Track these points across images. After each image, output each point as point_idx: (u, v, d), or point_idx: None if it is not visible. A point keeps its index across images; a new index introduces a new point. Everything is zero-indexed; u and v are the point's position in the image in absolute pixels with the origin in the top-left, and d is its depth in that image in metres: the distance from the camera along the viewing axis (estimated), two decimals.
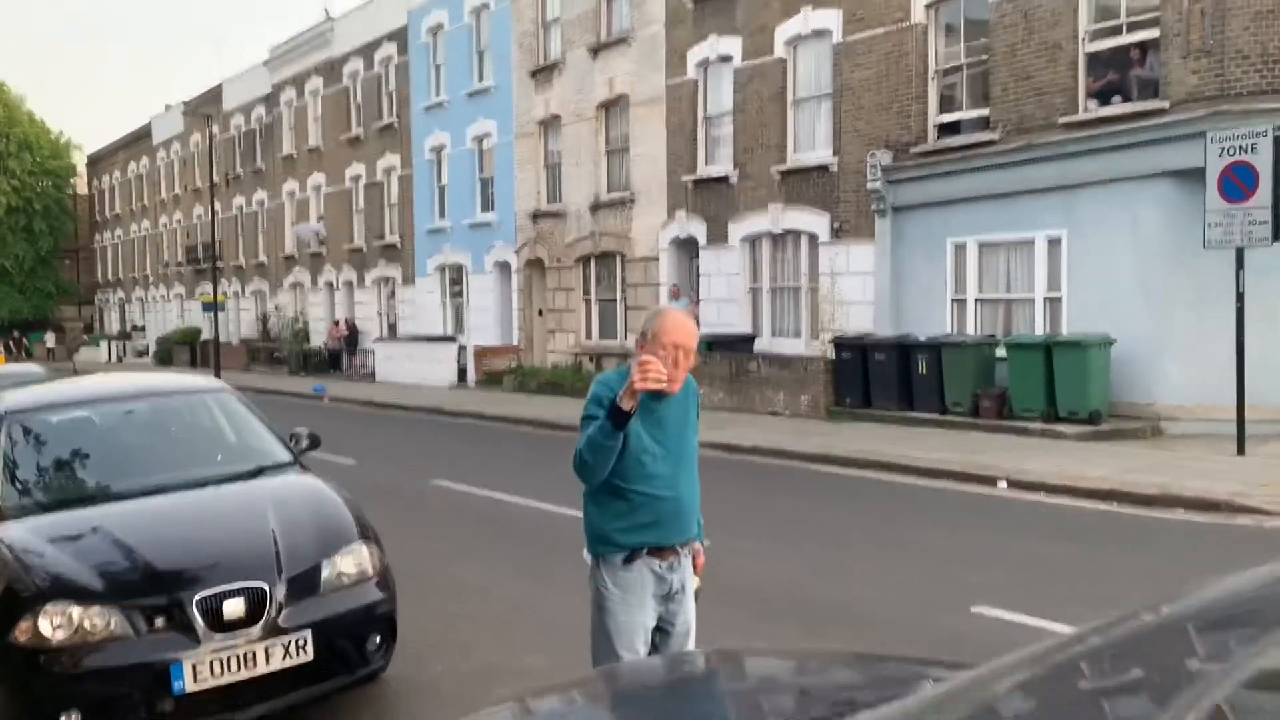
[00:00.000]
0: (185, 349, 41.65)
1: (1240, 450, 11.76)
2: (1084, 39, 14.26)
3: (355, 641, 4.82)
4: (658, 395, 3.54)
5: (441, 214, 28.41)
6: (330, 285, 34.41)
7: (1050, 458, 11.96)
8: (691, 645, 3.79)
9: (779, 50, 18.35)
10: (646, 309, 21.47)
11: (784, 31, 18.22)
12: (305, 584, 4.72)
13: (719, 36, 19.43)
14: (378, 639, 4.91)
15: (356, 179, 32.34)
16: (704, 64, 19.96)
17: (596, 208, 22.74)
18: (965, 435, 13.76)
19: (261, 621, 4.51)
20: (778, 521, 9.47)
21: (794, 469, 12.59)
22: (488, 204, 26.61)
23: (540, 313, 25.32)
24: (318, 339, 34.37)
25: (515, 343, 25.73)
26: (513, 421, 18.25)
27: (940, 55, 16.20)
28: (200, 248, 42.38)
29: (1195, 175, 12.65)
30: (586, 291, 23.67)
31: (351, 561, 4.95)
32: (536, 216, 24.64)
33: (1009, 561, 7.55)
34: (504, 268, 26.15)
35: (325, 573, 4.82)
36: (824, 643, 5.71)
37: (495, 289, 26.49)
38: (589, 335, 23.68)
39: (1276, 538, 8.36)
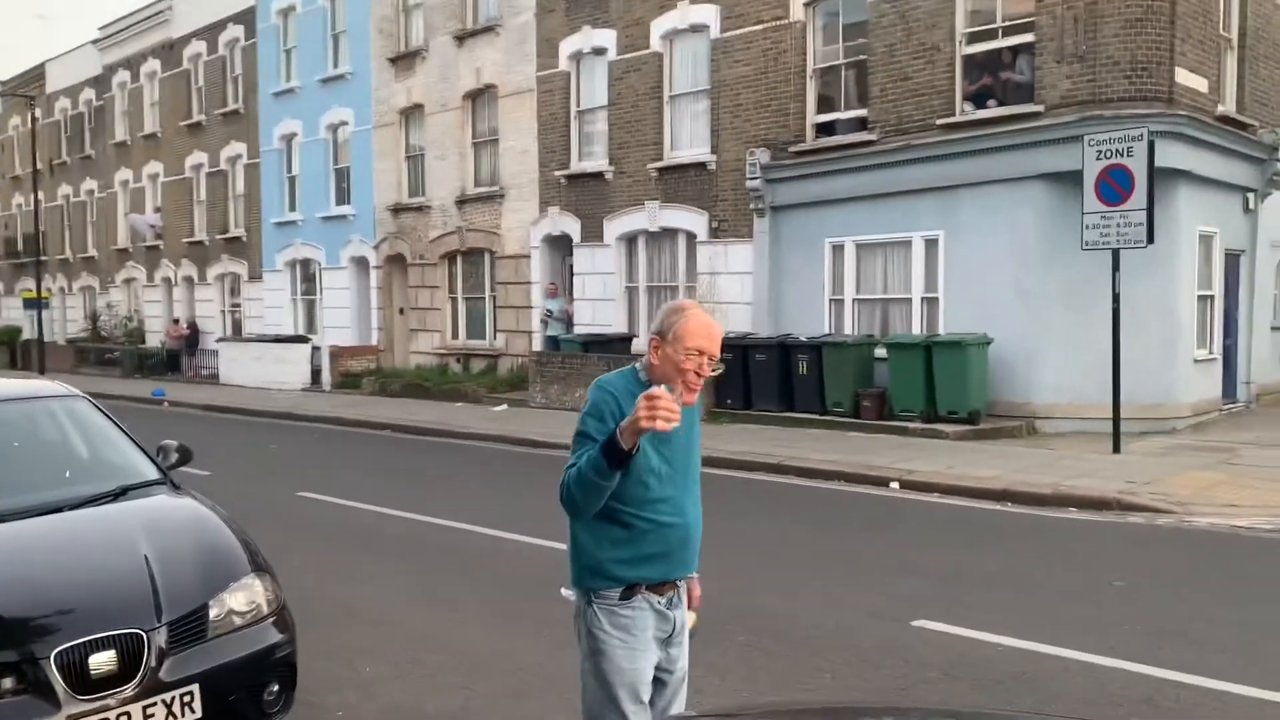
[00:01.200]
0: (4, 350, 38.34)
1: (1116, 448, 12.01)
2: (961, 41, 14.40)
3: (251, 693, 4.08)
4: None
5: (292, 206, 26.90)
6: (168, 281, 32.23)
7: (937, 457, 11.95)
8: (684, 696, 3.25)
9: (655, 44, 17.97)
10: (517, 309, 20.81)
11: (660, 25, 17.85)
12: (190, 628, 3.97)
13: (593, 28, 18.92)
14: (276, 688, 4.19)
15: (198, 168, 30.35)
16: (577, 56, 19.41)
17: (463, 202, 21.88)
18: (848, 435, 13.69)
19: (137, 677, 3.74)
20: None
21: None
22: (343, 196, 25.32)
23: (401, 311, 24.25)
24: (154, 339, 32.14)
25: (375, 343, 24.56)
26: (376, 426, 17.28)
27: (819, 54, 16.14)
28: (21, 240, 39.08)
29: (1069, 178, 12.91)
30: (452, 290, 22.76)
31: (244, 598, 4.21)
32: (398, 210, 23.57)
33: (937, 570, 7.29)
34: (361, 264, 24.93)
35: (213, 613, 4.07)
36: (782, 664, 5.26)
37: (352, 286, 25.23)
38: (455, 335, 22.78)
39: (1176, 536, 8.41)
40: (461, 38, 21.58)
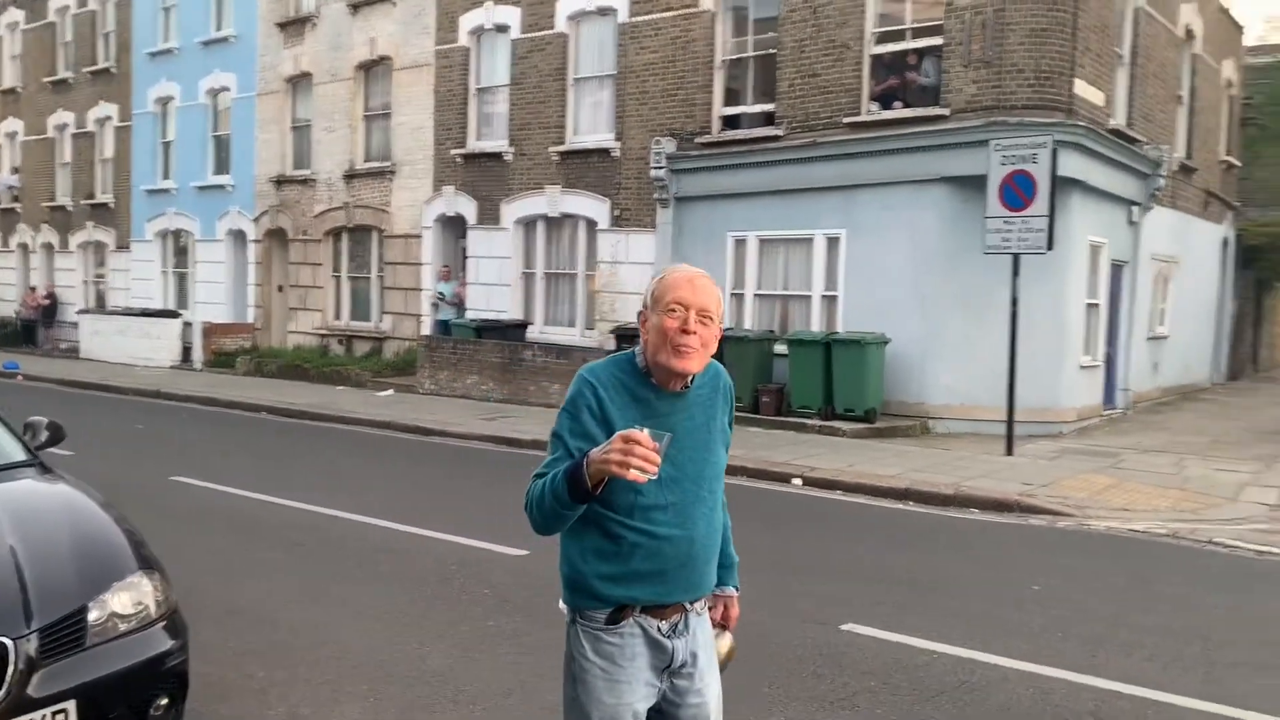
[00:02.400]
0: None
1: (1009, 450, 12.18)
2: (870, 41, 14.42)
3: (136, 709, 3.57)
4: (664, 393, 2.58)
5: (166, 174, 25.42)
6: (25, 247, 30.16)
7: (837, 455, 11.91)
8: None
9: (561, 25, 17.52)
10: (406, 290, 20.10)
11: (567, 6, 17.41)
12: (65, 635, 3.44)
13: (496, 4, 18.33)
14: (165, 702, 3.68)
15: (62, 128, 28.45)
16: (478, 32, 18.79)
17: (352, 177, 21.00)
18: (747, 431, 13.55)
19: (2, 692, 3.21)
20: None
21: None
22: (222, 165, 24.03)
23: (281, 289, 23.17)
24: (8, 308, 30.02)
25: (251, 321, 23.40)
26: (252, 408, 16.39)
27: (728, 45, 15.96)
28: None
29: (970, 182, 13.04)
30: (337, 268, 21.83)
31: (129, 599, 3.70)
32: (280, 183, 22.49)
33: (856, 571, 7.14)
34: (239, 237, 23.73)
35: (93, 617, 3.55)
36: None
37: (228, 260, 23.98)
38: (338, 316, 21.88)
39: (1079, 540, 8.49)
40: (356, 6, 20.69)
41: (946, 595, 6.48)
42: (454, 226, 19.68)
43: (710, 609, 2.80)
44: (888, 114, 14.19)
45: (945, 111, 13.66)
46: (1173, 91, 17.77)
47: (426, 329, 19.37)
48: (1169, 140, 17.25)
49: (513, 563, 7.10)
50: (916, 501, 9.91)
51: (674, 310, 2.50)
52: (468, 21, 18.82)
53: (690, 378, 2.58)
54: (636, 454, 2.28)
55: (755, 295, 15.41)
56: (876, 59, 14.50)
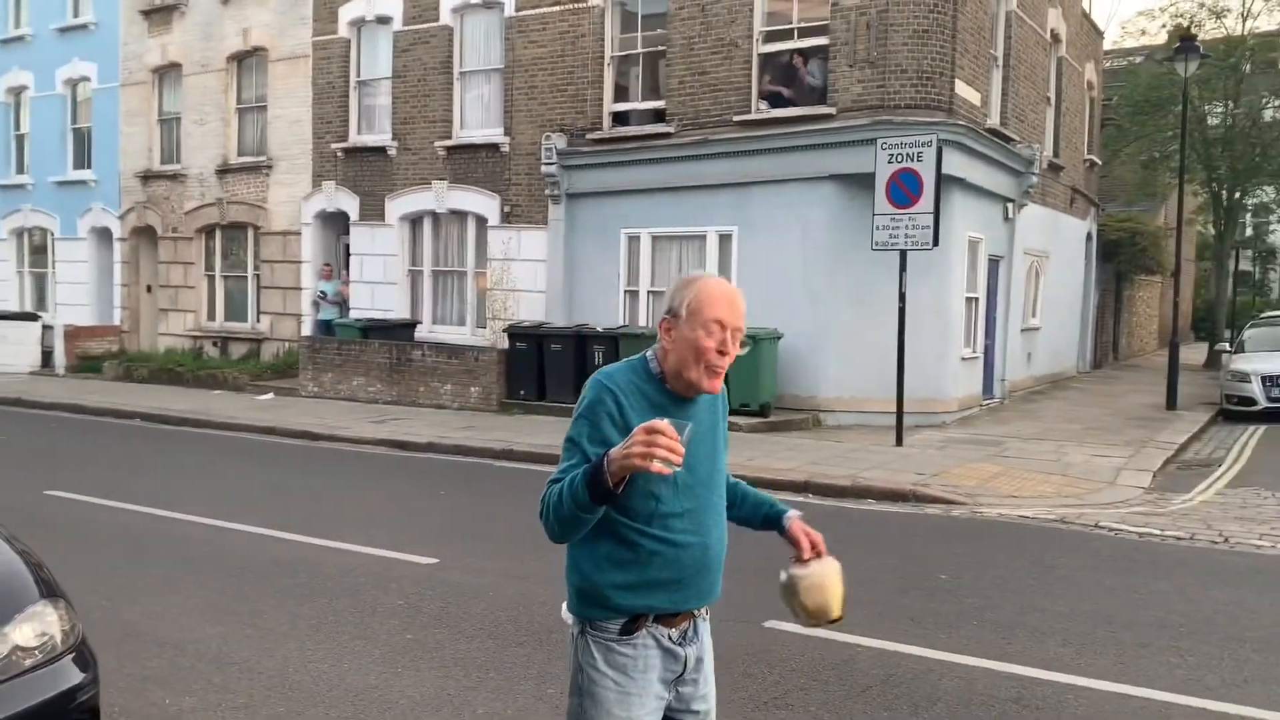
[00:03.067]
0: None
1: (899, 441, 12.50)
2: (758, 40, 14.57)
3: None
4: (678, 400, 2.52)
5: (20, 168, 23.96)
6: None
7: (735, 449, 11.64)
8: None
9: (445, 17, 17.18)
10: (285, 289, 19.44)
11: None
12: None
13: None
14: None
15: None
16: (358, 23, 18.28)
17: (225, 172, 20.18)
18: None
19: None
20: (505, 533, 8.52)
21: (480, 467, 11.62)
22: (83, 160, 22.78)
23: (149, 289, 22.13)
24: None
25: (118, 323, 22.28)
26: (124, 415, 15.59)
27: (617, 41, 15.91)
28: None
29: (858, 180, 13.32)
30: (210, 267, 20.96)
31: (33, 631, 3.42)
32: (148, 178, 21.46)
33: (766, 565, 7.16)
34: (104, 235, 22.55)
35: None
36: None
37: (92, 259, 22.77)
38: (212, 317, 21.01)
39: (974, 527, 8.74)
40: None
41: (859, 588, 6.50)
42: (335, 223, 19.12)
43: (794, 541, 2.70)
44: (776, 112, 14.38)
45: (832, 110, 13.91)
46: (1042, 92, 18.53)
47: (307, 329, 18.78)
48: (1039, 139, 17.99)
49: (423, 572, 6.90)
50: (816, 494, 10.07)
51: (712, 330, 2.44)
52: (347, 12, 18.29)
53: None
54: (661, 444, 2.21)
55: (649, 292, 15.42)
56: (766, 57, 14.67)
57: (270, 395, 17.14)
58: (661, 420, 2.24)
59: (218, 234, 20.74)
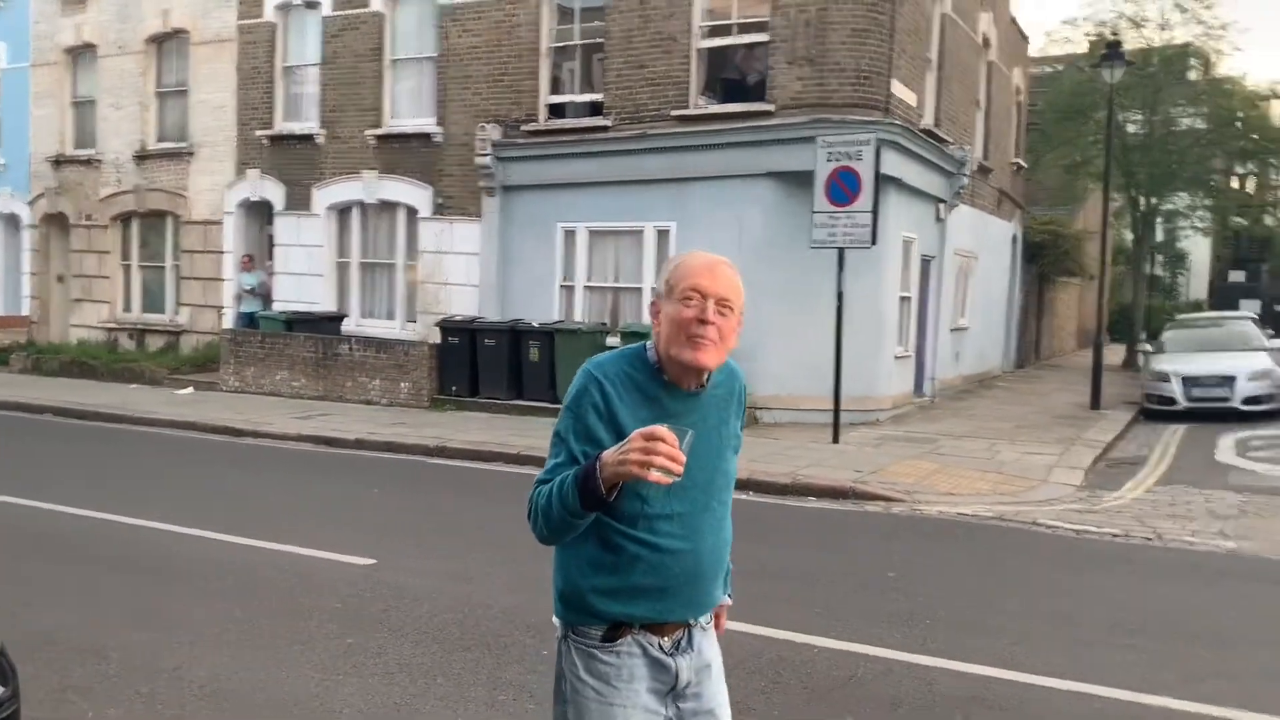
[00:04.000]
0: None
1: (835, 439, 12.52)
2: (698, 35, 14.47)
3: None
4: (678, 392, 2.35)
5: None
6: None
7: None
8: None
9: (376, 3, 16.75)
10: (206, 280, 18.84)
11: None
12: None
13: None
14: None
15: None
16: (285, 7, 17.74)
17: (143, 158, 19.44)
18: None
19: None
20: (443, 533, 8.26)
21: (412, 465, 11.32)
22: None
23: (61, 279, 21.24)
24: None
25: (26, 314, 21.33)
26: (34, 409, 14.89)
27: (554, 32, 15.68)
28: None
29: (796, 178, 13.31)
30: (126, 256, 20.19)
31: None
32: (60, 163, 20.58)
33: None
34: (11, 222, 21.60)
35: None
36: None
37: (0, 248, 21.81)
38: (128, 308, 20.24)
39: (916, 525, 8.75)
40: None
41: (811, 587, 6.50)
42: (259, 212, 18.56)
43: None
44: (715, 108, 14.31)
45: (771, 107, 13.88)
46: (972, 95, 18.79)
47: (229, 322, 18.19)
48: (970, 141, 18.23)
49: (360, 573, 6.64)
50: (756, 491, 9.98)
51: (690, 298, 2.28)
52: None
53: (706, 376, 2.37)
54: (661, 452, 2.07)
55: (586, 287, 15.24)
56: (705, 53, 14.58)
57: (190, 390, 16.56)
58: (660, 426, 2.10)
59: (135, 222, 19.99)
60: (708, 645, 2.48)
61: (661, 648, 2.38)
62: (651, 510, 2.28)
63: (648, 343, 2.40)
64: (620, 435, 2.22)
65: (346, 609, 5.88)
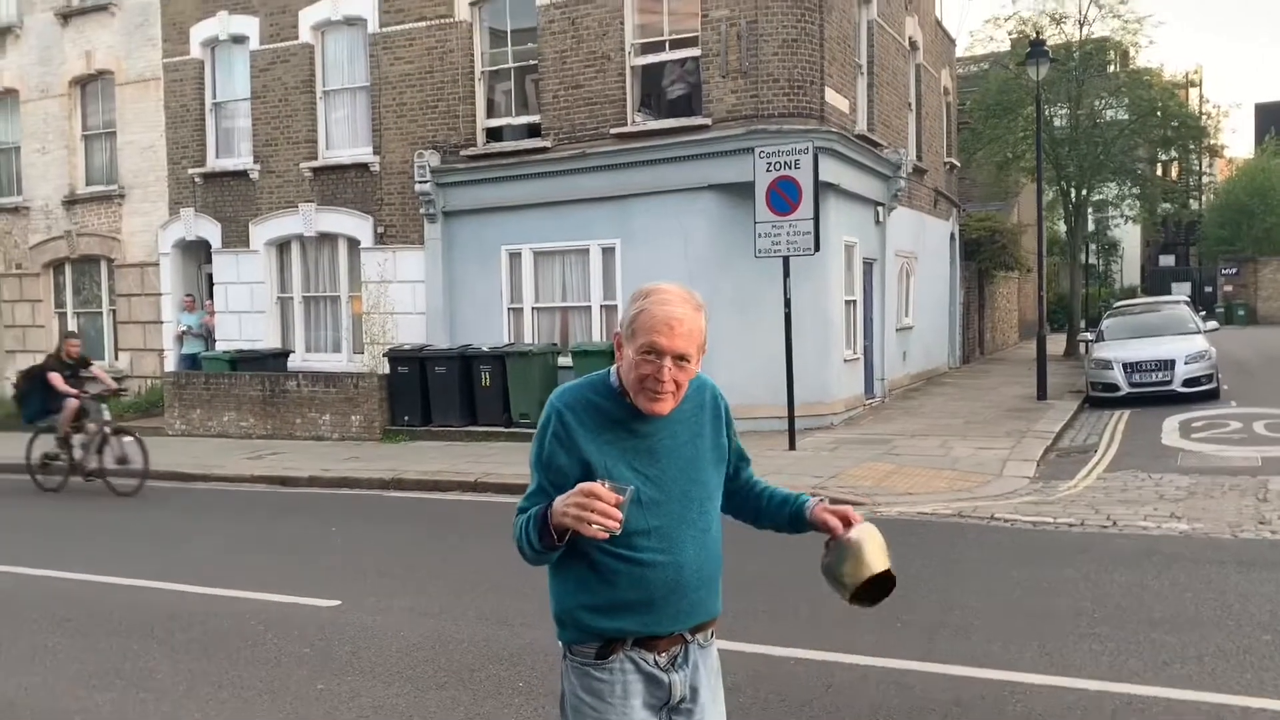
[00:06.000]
0: None
1: (792, 445, 12.60)
2: (631, 52, 14.55)
3: None
4: (644, 416, 2.42)
5: None
6: None
7: None
8: None
9: (305, 35, 16.62)
10: (145, 324, 18.50)
11: (310, 15, 16.55)
12: None
13: (230, 14, 17.17)
14: None
15: None
16: (212, 43, 17.53)
17: (73, 203, 19.06)
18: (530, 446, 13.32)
19: None
20: (407, 568, 8.16)
21: (369, 499, 11.18)
22: None
23: None
24: None
25: None
26: None
27: (487, 56, 15.68)
28: None
29: (737, 189, 13.43)
30: (60, 303, 19.80)
31: None
32: None
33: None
34: None
35: None
36: None
37: None
38: None
39: (878, 526, 8.80)
40: (66, 15, 18.83)
41: (781, 598, 6.53)
42: (196, 251, 18.28)
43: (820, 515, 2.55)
44: (653, 124, 14.39)
45: (708, 121, 13.99)
46: (904, 98, 19.09)
47: (171, 365, 17.87)
48: (904, 144, 18.51)
49: (327, 616, 6.54)
50: None
51: (648, 356, 2.35)
52: (199, 32, 17.52)
53: None
54: (596, 509, 2.20)
55: (534, 309, 15.22)
56: (640, 69, 14.66)
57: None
58: (597, 484, 2.23)
59: (68, 268, 19.59)
60: (705, 662, 2.53)
61: (656, 663, 2.44)
62: (629, 527, 2.32)
63: (613, 368, 2.47)
64: (583, 462, 2.35)
65: (315, 653, 5.79)
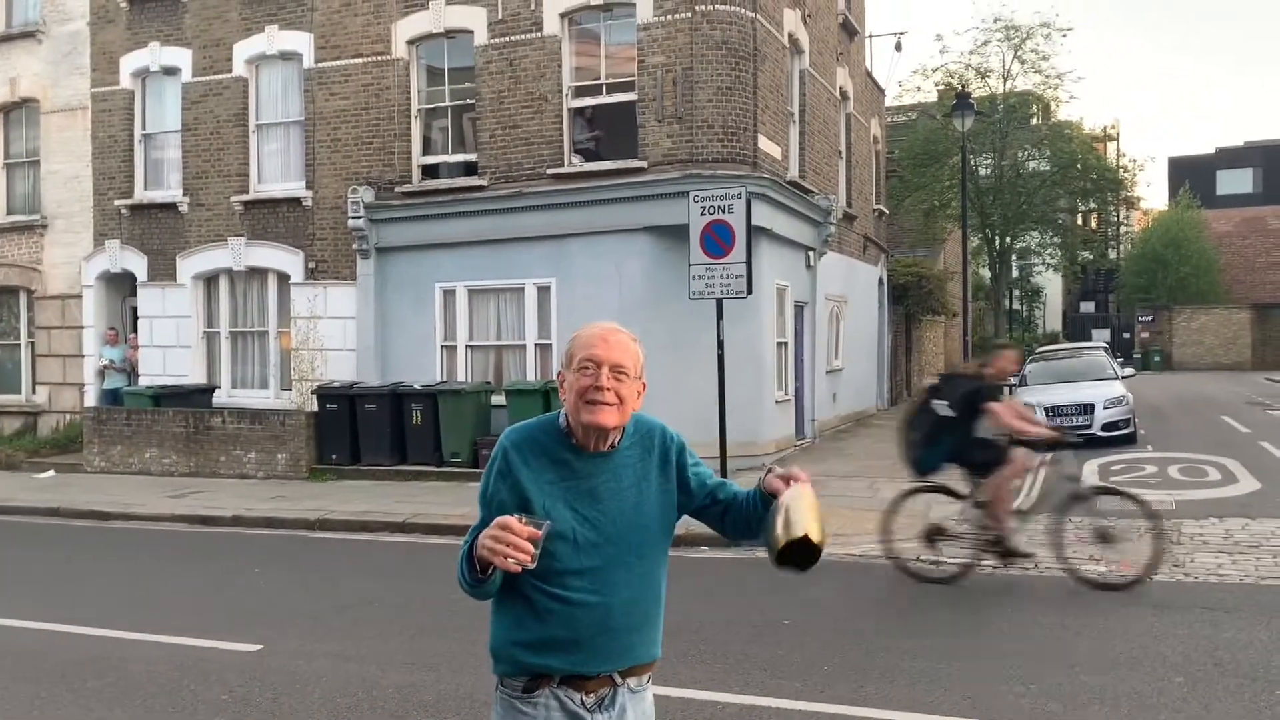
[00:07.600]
0: None
1: None
2: (568, 95, 14.68)
3: None
4: (585, 455, 2.47)
5: None
6: None
7: None
8: None
9: (239, 69, 16.46)
10: (65, 357, 18.00)
11: (244, 49, 16.40)
12: None
13: (163, 45, 16.95)
14: None
15: None
16: (143, 74, 17.27)
17: None
18: (468, 486, 13.17)
19: None
20: (330, 611, 8.01)
21: (294, 540, 10.96)
22: None
23: None
24: None
25: None
26: None
27: (424, 94, 15.68)
28: None
29: (672, 231, 13.56)
30: None
31: None
32: None
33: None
34: None
35: None
36: None
37: None
38: None
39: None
40: None
41: (707, 641, 6.52)
42: (121, 284, 17.87)
43: (770, 482, 2.47)
44: (590, 166, 14.50)
45: (644, 164, 14.13)
46: (834, 146, 19.51)
47: (92, 399, 17.39)
48: (834, 190, 18.89)
49: (246, 660, 6.38)
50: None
51: (586, 368, 2.43)
52: (130, 63, 17.26)
53: (613, 439, 2.48)
54: (510, 542, 2.26)
55: (468, 346, 15.14)
56: (577, 112, 14.79)
57: (51, 473, 15.73)
58: (512, 517, 2.29)
59: None
60: (635, 707, 2.52)
61: (583, 703, 2.46)
62: (561, 566, 2.41)
63: (563, 410, 2.52)
64: (522, 499, 2.41)
65: (234, 700, 5.65)
